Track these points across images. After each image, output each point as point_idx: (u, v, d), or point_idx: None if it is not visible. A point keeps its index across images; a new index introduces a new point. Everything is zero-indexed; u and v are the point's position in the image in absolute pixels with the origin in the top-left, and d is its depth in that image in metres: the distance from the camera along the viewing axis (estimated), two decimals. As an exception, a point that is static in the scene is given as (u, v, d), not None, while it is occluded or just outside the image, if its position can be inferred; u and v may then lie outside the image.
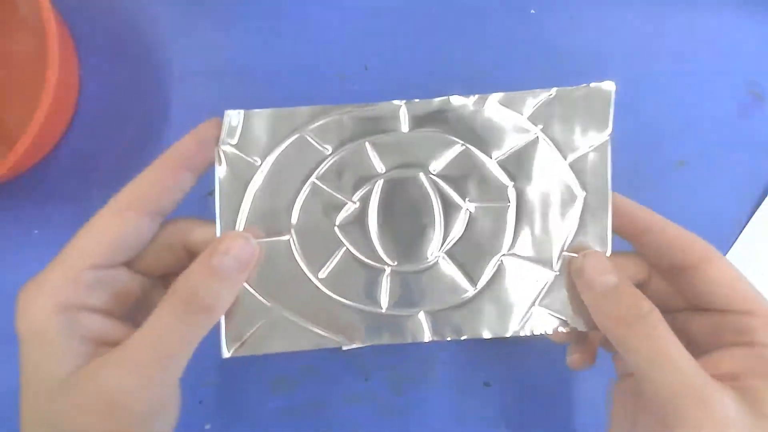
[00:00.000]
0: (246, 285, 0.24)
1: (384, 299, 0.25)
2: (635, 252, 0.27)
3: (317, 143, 0.25)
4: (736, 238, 0.36)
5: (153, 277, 0.26)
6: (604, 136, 0.25)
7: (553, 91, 0.25)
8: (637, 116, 0.37)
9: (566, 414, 0.36)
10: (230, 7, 0.37)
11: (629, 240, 0.27)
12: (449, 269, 0.25)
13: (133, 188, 0.24)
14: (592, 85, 0.25)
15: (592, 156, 0.25)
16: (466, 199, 0.25)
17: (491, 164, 0.25)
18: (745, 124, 0.37)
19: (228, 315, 0.24)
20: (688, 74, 0.37)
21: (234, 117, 0.25)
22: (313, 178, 0.25)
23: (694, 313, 0.26)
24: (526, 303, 0.25)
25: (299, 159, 0.25)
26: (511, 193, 0.25)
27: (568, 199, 0.25)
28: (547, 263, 0.25)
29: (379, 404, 0.36)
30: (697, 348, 0.24)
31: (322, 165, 0.25)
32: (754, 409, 0.22)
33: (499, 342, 0.35)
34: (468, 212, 0.25)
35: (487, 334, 0.25)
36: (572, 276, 0.25)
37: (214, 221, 0.25)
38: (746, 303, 0.24)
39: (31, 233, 0.36)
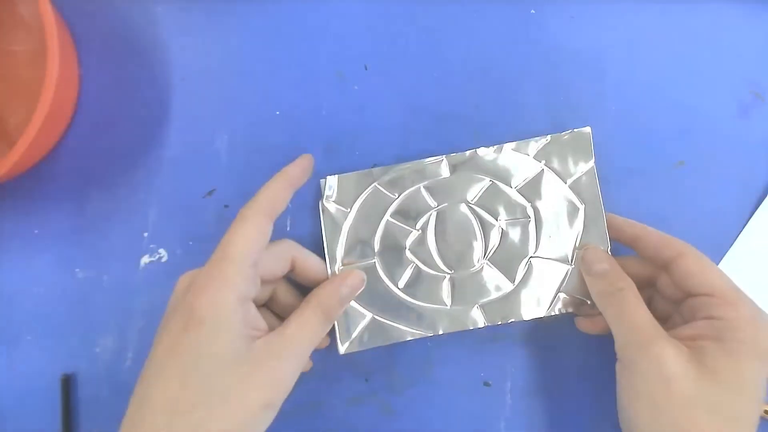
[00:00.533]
0: None
1: (447, 299, 0.34)
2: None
3: (387, 191, 0.34)
4: (736, 238, 0.36)
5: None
6: (590, 164, 0.34)
7: (549, 137, 0.35)
8: (637, 116, 0.37)
9: (566, 414, 0.36)
10: (230, 7, 0.37)
11: (629, 246, 0.33)
12: (492, 272, 0.34)
13: (262, 198, 0.30)
14: (575, 130, 0.35)
15: (584, 179, 0.34)
16: (498, 219, 0.34)
17: (512, 192, 0.35)
18: (745, 124, 0.37)
19: (339, 322, 0.34)
20: (688, 74, 0.37)
21: (330, 180, 0.35)
22: (386, 216, 0.34)
23: (680, 301, 0.31)
24: (553, 290, 0.34)
25: (375, 204, 0.34)
26: (530, 211, 0.34)
27: (573, 211, 0.34)
28: (564, 260, 0.34)
29: (379, 404, 0.36)
30: (670, 323, 0.31)
31: (392, 206, 0.34)
32: (701, 364, 0.27)
33: (499, 342, 0.36)
34: (500, 228, 0.34)
35: (527, 317, 0.34)
36: (578, 265, 0.34)
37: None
38: (709, 287, 0.29)
39: (31, 233, 0.36)
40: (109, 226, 0.36)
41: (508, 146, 0.35)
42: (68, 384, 0.35)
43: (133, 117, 0.36)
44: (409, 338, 0.34)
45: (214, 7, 0.37)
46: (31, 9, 0.36)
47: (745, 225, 0.36)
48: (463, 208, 0.34)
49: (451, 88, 0.37)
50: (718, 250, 0.36)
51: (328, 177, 0.34)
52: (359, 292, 0.33)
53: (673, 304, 0.32)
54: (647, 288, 0.33)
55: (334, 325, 0.33)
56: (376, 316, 0.34)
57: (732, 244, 0.36)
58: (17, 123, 0.36)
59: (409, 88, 0.37)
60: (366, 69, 0.37)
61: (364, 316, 0.34)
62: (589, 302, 0.34)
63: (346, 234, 0.34)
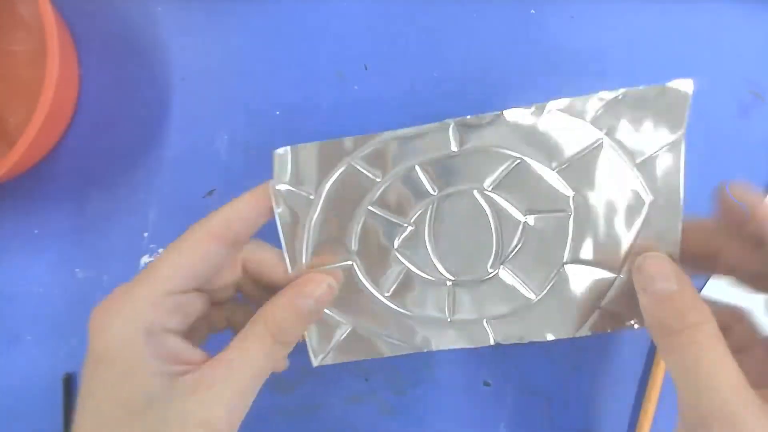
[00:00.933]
0: None
1: (448, 309, 0.27)
2: (709, 219, 0.26)
3: (366, 171, 0.26)
4: (736, 238, 0.36)
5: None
6: (678, 135, 0.24)
7: (621, 92, 0.24)
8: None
9: (566, 414, 0.36)
10: (230, 7, 0.37)
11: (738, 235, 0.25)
12: (510, 279, 0.26)
13: (216, 218, 0.25)
14: (669, 84, 0.24)
15: (663, 156, 0.24)
16: (525, 211, 0.26)
17: (550, 174, 0.25)
18: (745, 124, 0.37)
19: (310, 331, 0.27)
20: (688, 74, 0.37)
21: (281, 154, 0.25)
22: (367, 205, 0.26)
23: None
24: (589, 305, 0.26)
25: (351, 188, 0.26)
26: (572, 203, 0.25)
27: (635, 204, 0.25)
28: (612, 268, 0.26)
29: (379, 404, 0.36)
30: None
31: (374, 191, 0.26)
32: None
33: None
34: (525, 224, 0.26)
35: (550, 337, 0.27)
36: (632, 274, 0.25)
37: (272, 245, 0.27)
38: None
39: (31, 233, 0.36)
40: (109, 226, 0.36)
41: (554, 104, 0.25)
42: (70, 383, 0.35)
43: (133, 117, 0.36)
44: (399, 353, 0.27)
45: (214, 7, 0.37)
46: (31, 9, 0.36)
47: (745, 225, 0.36)
48: (476, 196, 0.26)
49: (451, 88, 0.37)
50: None
51: (278, 150, 0.26)
52: (327, 301, 0.26)
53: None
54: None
55: (305, 336, 0.28)
56: (357, 328, 0.27)
57: (732, 244, 0.36)
58: (17, 123, 0.36)
59: (409, 88, 0.37)
60: (366, 69, 0.37)
61: (341, 326, 0.27)
62: (634, 323, 0.26)
63: (311, 228, 0.26)
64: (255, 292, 0.28)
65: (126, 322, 0.23)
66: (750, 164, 0.37)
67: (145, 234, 0.36)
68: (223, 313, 0.28)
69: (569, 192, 0.25)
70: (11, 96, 0.36)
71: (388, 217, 0.26)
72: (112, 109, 0.36)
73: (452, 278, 0.26)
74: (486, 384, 0.36)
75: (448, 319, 0.27)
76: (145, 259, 0.36)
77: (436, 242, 0.26)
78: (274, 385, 0.35)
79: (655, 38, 0.37)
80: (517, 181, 0.25)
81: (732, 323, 0.25)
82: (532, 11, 0.37)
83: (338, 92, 0.37)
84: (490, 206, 0.26)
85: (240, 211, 0.25)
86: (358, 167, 0.26)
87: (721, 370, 0.21)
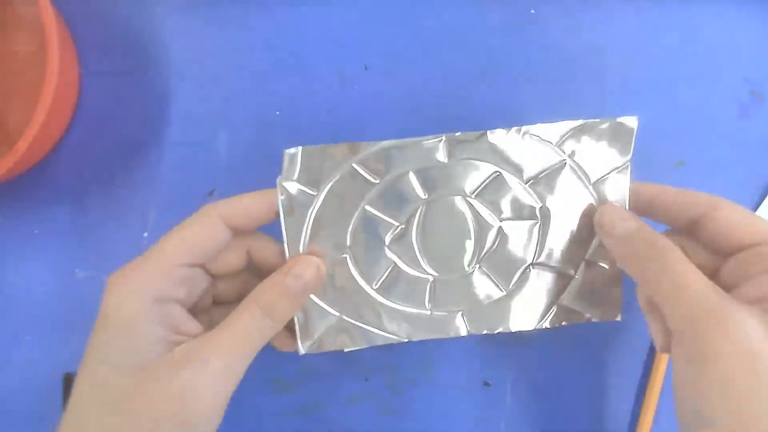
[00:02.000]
0: (312, 296, 0.29)
1: (428, 303, 0.30)
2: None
3: (367, 174, 0.28)
4: (736, 238, 0.36)
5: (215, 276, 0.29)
6: (625, 160, 0.29)
7: (581, 122, 0.29)
8: (637, 116, 0.37)
9: (566, 414, 0.36)
10: (230, 8, 0.37)
11: (645, 216, 0.28)
12: (482, 278, 0.30)
13: (230, 203, 0.27)
14: (618, 120, 0.29)
15: (613, 175, 0.29)
16: (500, 218, 0.29)
17: (520, 186, 0.29)
18: (745, 124, 0.37)
19: (298, 319, 0.29)
20: (688, 74, 0.37)
21: (291, 153, 0.28)
22: (364, 204, 0.29)
23: (721, 260, 0.26)
24: (549, 302, 0.30)
25: (351, 188, 0.29)
26: (539, 213, 0.29)
27: (589, 212, 0.29)
28: (570, 270, 0.30)
29: (379, 404, 0.36)
30: (726, 286, 0.24)
31: (371, 192, 0.29)
32: None
33: (499, 342, 0.35)
34: (500, 229, 0.30)
35: (515, 328, 0.30)
36: (595, 229, 0.29)
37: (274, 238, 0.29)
38: (761, 235, 0.25)
39: (31, 233, 0.36)
40: (109, 226, 0.36)
41: (530, 129, 0.29)
42: (70, 383, 0.35)
43: (133, 117, 0.36)
44: (381, 343, 0.30)
45: (214, 7, 0.37)
46: (31, 9, 0.36)
47: (745, 225, 0.36)
48: (459, 201, 0.29)
49: (451, 88, 0.37)
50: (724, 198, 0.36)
51: (289, 149, 0.28)
52: (316, 283, 0.28)
53: (712, 264, 0.27)
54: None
55: (294, 324, 0.29)
56: (344, 317, 0.30)
57: (732, 244, 0.36)
58: (17, 123, 0.36)
59: (409, 88, 0.37)
60: (366, 69, 0.37)
61: (328, 316, 0.29)
62: (588, 315, 0.30)
63: (312, 221, 0.28)
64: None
65: (138, 288, 0.24)
66: (750, 164, 0.37)
67: (145, 234, 0.36)
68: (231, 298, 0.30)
69: (537, 202, 0.29)
70: (11, 96, 0.36)
71: (382, 216, 0.29)
72: (112, 109, 0.36)
73: (435, 274, 0.30)
74: (486, 384, 0.36)
75: (429, 313, 0.30)
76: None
77: (422, 241, 0.29)
78: (274, 385, 0.35)
79: (655, 38, 0.37)
80: (495, 190, 0.29)
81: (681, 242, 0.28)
82: (532, 11, 0.37)
83: (338, 92, 0.37)
84: (471, 212, 0.29)
85: (247, 206, 0.27)
86: (359, 170, 0.28)
87: (697, 277, 0.24)
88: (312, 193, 0.28)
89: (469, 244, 0.30)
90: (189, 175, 0.36)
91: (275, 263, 0.28)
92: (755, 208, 0.36)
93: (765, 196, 0.36)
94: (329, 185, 0.28)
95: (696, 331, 0.23)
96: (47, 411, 0.35)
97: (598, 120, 0.29)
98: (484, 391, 0.35)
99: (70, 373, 0.35)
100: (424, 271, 0.30)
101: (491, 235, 0.30)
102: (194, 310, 0.27)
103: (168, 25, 0.37)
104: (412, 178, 0.29)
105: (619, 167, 0.29)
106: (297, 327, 0.29)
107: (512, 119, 0.36)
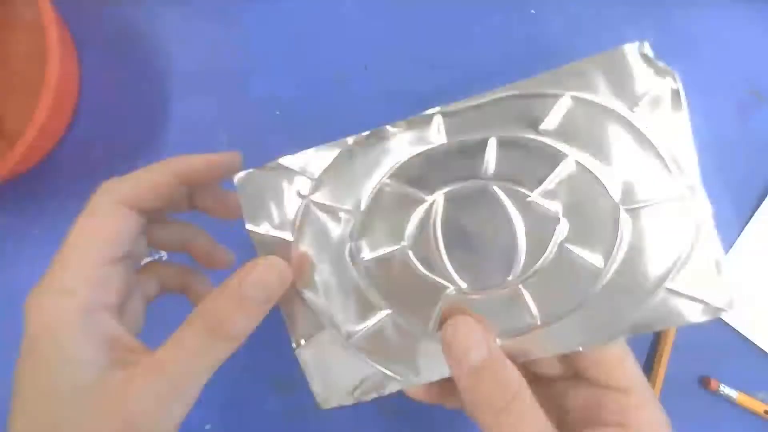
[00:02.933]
0: (306, 293, 0.24)
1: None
2: None
3: (324, 215, 0.23)
4: (737, 238, 0.36)
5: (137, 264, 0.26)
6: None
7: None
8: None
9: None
10: (230, 7, 0.37)
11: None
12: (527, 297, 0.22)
13: (125, 182, 0.23)
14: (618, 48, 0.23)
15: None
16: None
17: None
18: (745, 124, 0.37)
19: (291, 319, 0.24)
20: (688, 74, 0.37)
21: (239, 182, 0.24)
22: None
23: (576, 384, 0.24)
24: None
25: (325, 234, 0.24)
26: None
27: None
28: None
29: (379, 404, 0.35)
30: (573, 421, 0.23)
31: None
32: None
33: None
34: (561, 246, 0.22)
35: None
36: (443, 349, 0.23)
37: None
38: (625, 380, 0.23)
39: (31, 233, 0.36)
40: (109, 226, 0.36)
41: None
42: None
43: (133, 117, 0.36)
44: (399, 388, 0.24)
45: (213, 7, 0.37)
46: (31, 9, 0.36)
47: (745, 225, 0.36)
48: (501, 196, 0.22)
49: (451, 88, 0.37)
50: (718, 250, 0.36)
51: (238, 179, 0.24)
52: (280, 291, 0.22)
53: (547, 385, 0.25)
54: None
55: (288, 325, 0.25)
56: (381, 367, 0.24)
57: (732, 245, 0.36)
58: (17, 123, 0.36)
59: (409, 88, 0.37)
60: (366, 69, 0.37)
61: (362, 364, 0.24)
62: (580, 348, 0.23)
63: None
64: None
65: (61, 301, 0.21)
66: (750, 164, 0.37)
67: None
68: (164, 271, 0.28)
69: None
70: (11, 96, 0.36)
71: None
72: (112, 109, 0.36)
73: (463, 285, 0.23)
74: (486, 384, 0.36)
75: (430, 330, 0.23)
76: (146, 259, 0.36)
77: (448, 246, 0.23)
78: (274, 385, 0.35)
79: (655, 38, 0.37)
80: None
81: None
82: (532, 11, 0.37)
83: (338, 92, 0.37)
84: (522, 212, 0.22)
85: (153, 179, 0.23)
86: (315, 209, 0.24)
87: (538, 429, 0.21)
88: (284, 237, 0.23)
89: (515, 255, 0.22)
90: (189, 175, 0.36)
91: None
92: (755, 208, 0.36)
93: (765, 196, 0.36)
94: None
95: None
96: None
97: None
98: (484, 391, 0.35)
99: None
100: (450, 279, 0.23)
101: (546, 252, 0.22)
102: (124, 309, 0.24)
103: (168, 25, 0.37)
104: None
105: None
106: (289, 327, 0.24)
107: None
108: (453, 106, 0.23)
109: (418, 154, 0.23)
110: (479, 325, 0.22)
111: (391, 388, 0.24)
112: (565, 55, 0.37)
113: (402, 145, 0.23)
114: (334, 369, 0.24)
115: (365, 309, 0.23)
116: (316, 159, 0.23)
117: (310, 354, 0.24)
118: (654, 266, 0.21)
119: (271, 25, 0.37)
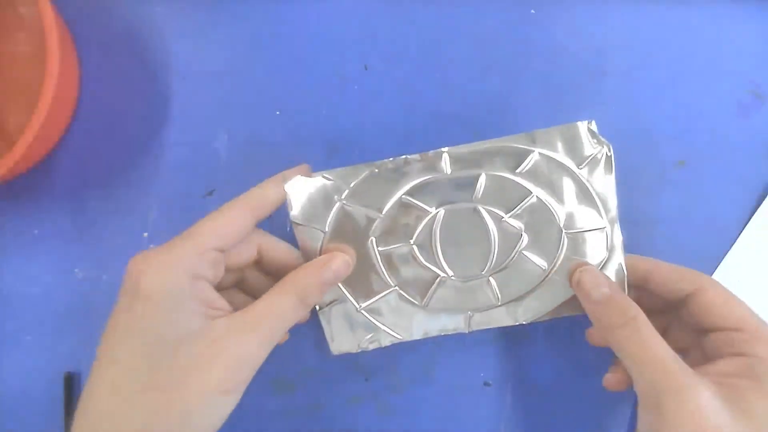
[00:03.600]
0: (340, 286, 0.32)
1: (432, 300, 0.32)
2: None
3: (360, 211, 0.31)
4: (736, 238, 0.36)
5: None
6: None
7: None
8: (637, 116, 0.37)
9: (566, 414, 0.36)
10: (230, 8, 0.37)
11: (640, 286, 0.31)
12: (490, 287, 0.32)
13: (251, 194, 0.29)
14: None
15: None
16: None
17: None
18: (745, 124, 0.37)
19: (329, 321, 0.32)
20: (688, 74, 0.37)
21: (290, 189, 0.30)
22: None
23: (701, 334, 0.29)
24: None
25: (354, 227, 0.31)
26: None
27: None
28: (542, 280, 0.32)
29: (379, 404, 0.36)
30: (694, 359, 0.29)
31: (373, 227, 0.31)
32: (735, 405, 0.25)
33: (499, 342, 0.35)
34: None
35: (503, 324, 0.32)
36: (571, 286, 0.31)
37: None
38: (737, 322, 0.28)
39: (31, 233, 0.36)
40: (109, 226, 0.36)
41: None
42: (71, 382, 0.35)
43: (133, 117, 0.36)
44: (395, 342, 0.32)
45: (214, 8, 0.37)
46: (31, 9, 0.36)
47: (746, 225, 0.36)
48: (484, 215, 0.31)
49: (451, 88, 0.37)
50: (718, 250, 0.36)
51: (287, 184, 0.30)
52: (344, 275, 0.30)
53: (693, 338, 0.30)
54: (659, 318, 0.30)
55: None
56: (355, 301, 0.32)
57: (732, 245, 0.36)
58: (17, 123, 0.36)
59: (409, 88, 0.37)
60: (366, 69, 0.37)
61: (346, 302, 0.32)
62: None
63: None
64: (257, 281, 0.32)
65: (175, 267, 0.26)
66: (750, 164, 0.37)
67: (145, 234, 0.36)
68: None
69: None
70: (11, 96, 0.36)
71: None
72: (112, 109, 0.36)
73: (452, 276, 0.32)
74: (486, 384, 0.36)
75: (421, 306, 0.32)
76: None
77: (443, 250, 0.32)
78: (274, 385, 0.36)
79: (655, 38, 0.37)
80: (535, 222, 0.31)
81: (667, 308, 0.31)
82: (532, 11, 0.37)
83: (338, 92, 0.37)
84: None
85: (269, 191, 0.30)
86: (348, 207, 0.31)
87: (660, 349, 0.27)
88: (319, 230, 0.31)
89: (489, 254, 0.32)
90: (189, 175, 0.36)
91: (284, 260, 0.31)
92: (755, 208, 0.36)
93: (765, 196, 0.36)
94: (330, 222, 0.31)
95: (655, 398, 0.26)
96: (48, 411, 0.35)
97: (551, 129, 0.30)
98: (484, 391, 0.35)
99: (70, 373, 0.35)
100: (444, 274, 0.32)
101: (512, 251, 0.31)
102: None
103: (168, 25, 0.37)
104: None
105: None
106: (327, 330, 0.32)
107: (512, 119, 0.37)
108: (457, 149, 0.30)
109: (429, 179, 0.31)
110: (600, 271, 0.31)
111: (388, 341, 0.33)
112: (565, 55, 0.37)
113: (418, 171, 0.31)
114: (346, 326, 0.32)
115: (377, 285, 0.32)
116: (350, 174, 0.31)
117: (330, 315, 0.32)
118: None
119: (272, 24, 0.37)
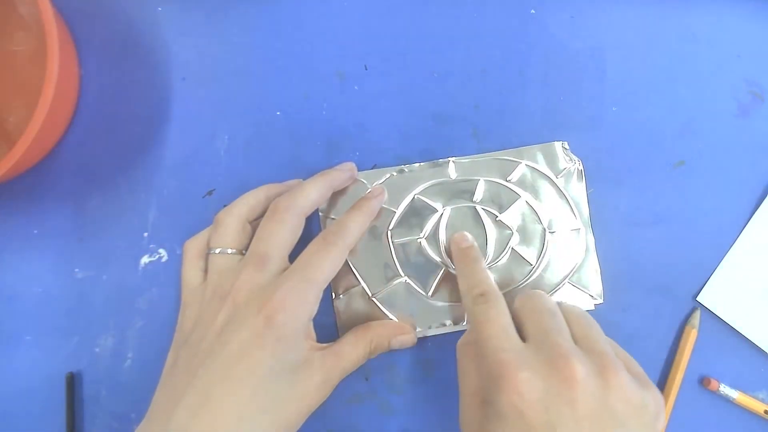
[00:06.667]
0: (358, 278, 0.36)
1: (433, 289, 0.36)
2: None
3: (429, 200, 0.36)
4: (736, 238, 0.36)
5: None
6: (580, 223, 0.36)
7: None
8: (637, 116, 0.37)
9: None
10: (230, 8, 0.37)
11: None
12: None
13: (348, 234, 0.32)
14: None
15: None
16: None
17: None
18: (745, 124, 0.37)
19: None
20: (688, 74, 0.37)
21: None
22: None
23: None
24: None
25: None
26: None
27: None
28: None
29: (379, 404, 0.36)
30: None
31: (393, 221, 0.36)
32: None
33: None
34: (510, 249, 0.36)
35: None
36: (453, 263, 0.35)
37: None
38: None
39: (31, 233, 0.36)
40: (109, 226, 0.36)
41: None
42: (72, 382, 0.35)
43: (133, 117, 0.36)
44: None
45: (214, 7, 0.37)
46: (31, 9, 0.36)
47: (746, 225, 0.36)
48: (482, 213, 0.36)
49: (451, 88, 0.37)
50: (718, 250, 0.36)
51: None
52: (405, 347, 0.35)
53: None
54: None
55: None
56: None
57: (732, 244, 0.36)
58: (17, 123, 0.36)
59: (409, 88, 0.37)
60: (366, 69, 0.37)
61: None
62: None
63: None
64: None
65: (303, 311, 0.30)
66: (750, 164, 0.37)
67: (145, 234, 0.36)
68: None
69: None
70: (11, 96, 0.36)
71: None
72: (112, 109, 0.36)
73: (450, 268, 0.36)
74: (486, 384, 0.36)
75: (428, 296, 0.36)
76: (145, 259, 0.36)
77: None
78: (274, 385, 0.35)
79: (655, 38, 0.37)
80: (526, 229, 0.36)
81: None
82: (532, 11, 0.37)
83: (338, 92, 0.37)
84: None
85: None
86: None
87: (506, 332, 0.29)
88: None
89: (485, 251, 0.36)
90: (189, 175, 0.36)
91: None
92: (755, 208, 0.36)
93: (765, 196, 0.36)
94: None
95: (489, 382, 0.27)
96: (49, 411, 0.35)
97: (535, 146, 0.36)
98: (484, 391, 0.35)
99: (72, 373, 0.35)
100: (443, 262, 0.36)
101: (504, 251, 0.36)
102: None
103: (168, 25, 0.37)
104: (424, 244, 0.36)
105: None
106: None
107: (512, 119, 0.36)
108: (462, 159, 0.36)
109: (438, 183, 0.36)
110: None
111: None
112: (565, 55, 0.37)
113: (429, 176, 0.36)
114: (357, 313, 0.35)
115: (388, 275, 0.35)
116: (374, 176, 0.36)
117: (343, 303, 0.35)
118: (562, 268, 0.36)
119: (272, 24, 0.37)
